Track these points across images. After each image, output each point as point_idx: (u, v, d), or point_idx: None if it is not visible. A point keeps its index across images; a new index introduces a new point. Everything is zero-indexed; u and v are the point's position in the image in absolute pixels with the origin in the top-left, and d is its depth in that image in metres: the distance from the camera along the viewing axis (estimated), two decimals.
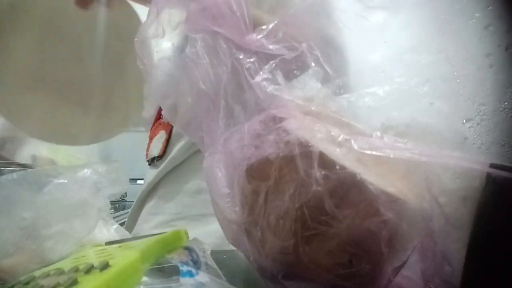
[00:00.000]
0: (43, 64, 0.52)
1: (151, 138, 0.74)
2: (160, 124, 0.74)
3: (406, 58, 0.29)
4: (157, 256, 0.27)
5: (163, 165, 0.66)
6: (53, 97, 0.53)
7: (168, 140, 0.68)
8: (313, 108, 0.28)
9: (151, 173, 0.69)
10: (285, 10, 0.34)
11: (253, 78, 0.30)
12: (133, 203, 0.72)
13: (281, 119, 0.27)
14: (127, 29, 0.50)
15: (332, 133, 0.24)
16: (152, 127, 0.77)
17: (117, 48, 0.53)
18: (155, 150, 0.69)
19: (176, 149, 0.65)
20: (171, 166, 0.66)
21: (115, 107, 0.56)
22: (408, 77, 0.28)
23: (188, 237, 0.33)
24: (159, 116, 0.77)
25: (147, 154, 0.73)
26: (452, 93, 0.27)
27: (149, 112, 0.75)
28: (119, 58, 0.53)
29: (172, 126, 0.68)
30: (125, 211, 1.80)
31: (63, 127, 0.55)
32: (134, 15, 0.51)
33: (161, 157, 0.68)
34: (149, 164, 0.72)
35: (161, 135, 0.71)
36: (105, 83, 0.54)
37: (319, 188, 0.23)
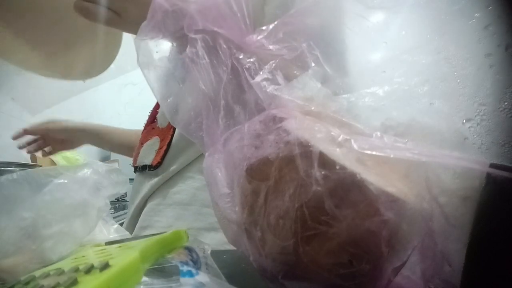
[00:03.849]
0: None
1: (142, 143, 0.69)
2: (153, 128, 0.69)
3: (406, 58, 0.29)
4: (157, 256, 0.27)
5: (159, 178, 0.61)
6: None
7: (166, 151, 0.62)
8: (313, 108, 0.28)
9: (142, 182, 0.64)
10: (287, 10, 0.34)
11: (253, 78, 0.30)
12: (126, 218, 0.67)
13: (281, 119, 0.27)
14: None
15: (332, 133, 0.24)
16: (143, 131, 0.72)
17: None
18: (147, 158, 0.64)
19: (179, 162, 0.60)
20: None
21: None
22: (408, 77, 0.28)
23: (188, 237, 0.33)
24: (152, 119, 0.72)
25: (135, 160, 0.67)
26: (452, 93, 0.27)
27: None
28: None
29: (171, 137, 0.63)
30: (125, 211, 1.79)
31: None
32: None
33: (155, 167, 0.62)
34: (136, 171, 0.67)
35: (154, 142, 0.65)
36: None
37: (319, 188, 0.23)
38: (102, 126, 0.93)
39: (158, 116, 0.70)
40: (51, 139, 0.88)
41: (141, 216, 0.62)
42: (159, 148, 0.64)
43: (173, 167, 0.60)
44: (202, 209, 0.57)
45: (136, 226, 0.62)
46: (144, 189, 0.63)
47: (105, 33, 0.62)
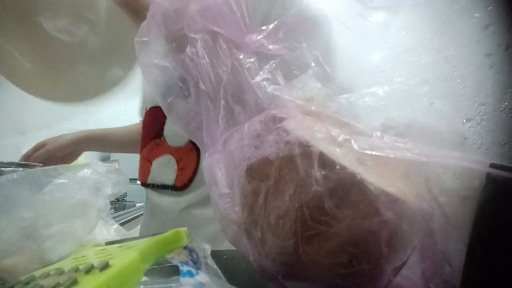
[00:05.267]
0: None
1: (148, 159, 0.68)
2: (158, 144, 0.67)
3: (406, 58, 0.29)
4: (157, 256, 0.27)
5: (185, 198, 0.63)
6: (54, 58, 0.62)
7: (194, 174, 0.63)
8: (313, 108, 0.28)
9: (162, 201, 0.65)
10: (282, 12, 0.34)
11: (253, 78, 0.30)
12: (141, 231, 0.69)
13: (281, 119, 0.27)
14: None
15: (332, 133, 0.24)
16: (143, 145, 0.71)
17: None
18: (165, 177, 0.65)
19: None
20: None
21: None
22: (408, 77, 0.28)
23: (188, 237, 0.33)
24: (154, 134, 0.69)
25: (146, 176, 0.67)
26: (452, 93, 0.27)
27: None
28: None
29: (198, 159, 0.63)
30: (125, 211, 1.80)
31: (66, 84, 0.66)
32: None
33: (181, 188, 0.63)
34: (148, 187, 0.68)
35: (169, 161, 0.65)
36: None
37: (319, 188, 0.23)
38: (100, 130, 0.91)
39: (166, 134, 0.67)
40: (53, 159, 0.82)
41: None
42: (180, 169, 0.64)
43: (201, 190, 0.62)
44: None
45: None
46: (168, 207, 0.65)
47: (118, 52, 0.62)
